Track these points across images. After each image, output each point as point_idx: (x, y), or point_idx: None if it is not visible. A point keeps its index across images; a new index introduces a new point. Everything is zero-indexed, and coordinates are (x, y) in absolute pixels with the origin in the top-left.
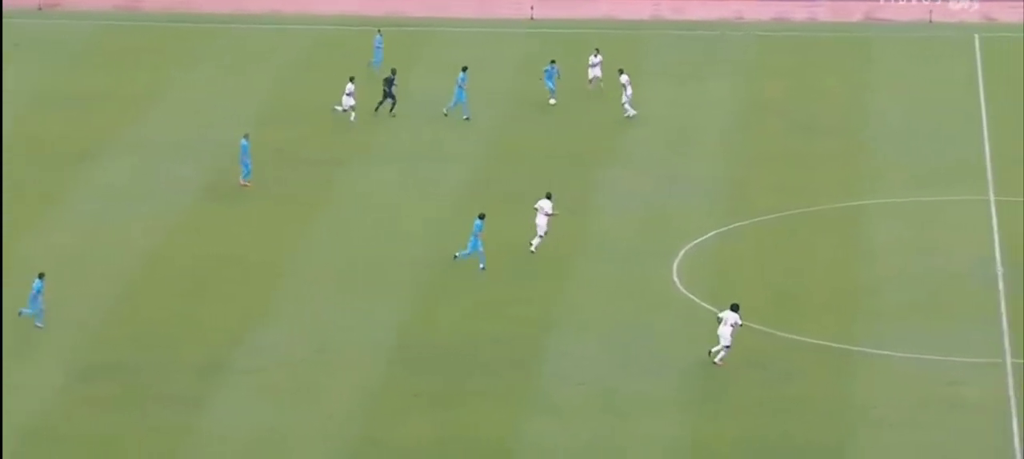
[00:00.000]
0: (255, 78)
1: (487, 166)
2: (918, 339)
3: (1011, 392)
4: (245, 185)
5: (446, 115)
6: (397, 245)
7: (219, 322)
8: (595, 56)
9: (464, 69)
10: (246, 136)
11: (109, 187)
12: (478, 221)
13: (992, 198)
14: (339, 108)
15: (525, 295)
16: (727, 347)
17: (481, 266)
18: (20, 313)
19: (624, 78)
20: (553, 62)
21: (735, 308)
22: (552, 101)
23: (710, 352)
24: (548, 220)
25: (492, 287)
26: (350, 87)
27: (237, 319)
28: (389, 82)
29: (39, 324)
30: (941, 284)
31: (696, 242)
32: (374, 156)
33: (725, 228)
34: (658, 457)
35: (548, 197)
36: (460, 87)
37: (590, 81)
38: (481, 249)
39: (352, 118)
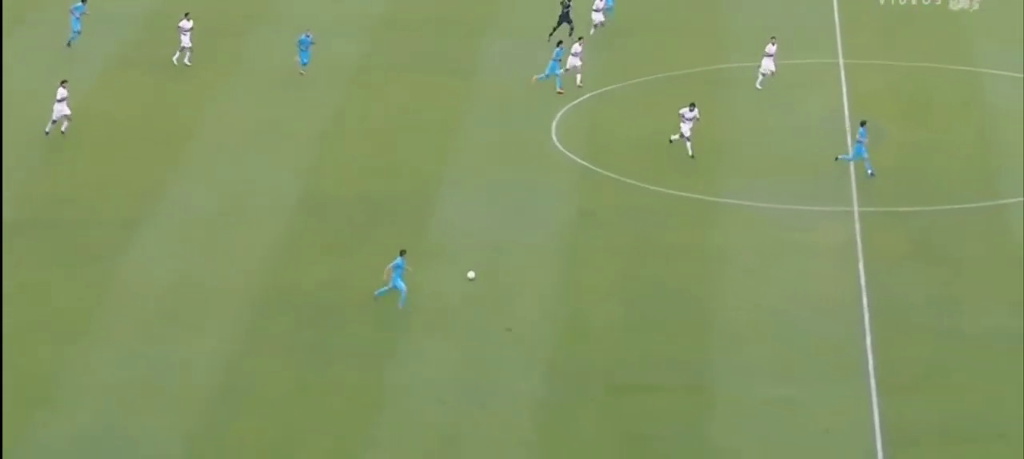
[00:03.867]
0: None
1: (379, 36)
2: (775, 190)
3: (858, 237)
4: (302, 73)
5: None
6: (298, 109)
7: (135, 180)
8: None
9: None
10: (308, 31)
11: (27, 54)
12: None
13: (841, 61)
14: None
15: (417, 154)
16: None
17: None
18: (384, 292)
19: None
20: None
21: None
22: None
23: None
24: (690, 124)
25: (387, 146)
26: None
27: (152, 177)
28: (566, 7)
29: (401, 305)
30: (796, 140)
31: (573, 104)
32: (276, 27)
33: (599, 91)
34: (542, 297)
35: (692, 106)
36: (556, 61)
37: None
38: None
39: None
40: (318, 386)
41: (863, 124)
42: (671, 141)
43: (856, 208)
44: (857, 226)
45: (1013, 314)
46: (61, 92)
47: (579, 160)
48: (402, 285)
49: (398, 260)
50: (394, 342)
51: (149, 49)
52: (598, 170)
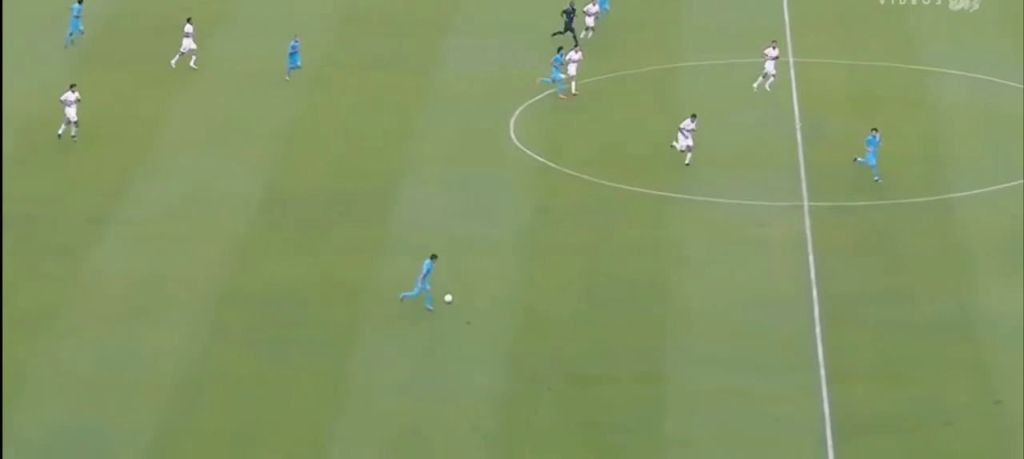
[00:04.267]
0: None
1: (340, 34)
2: (728, 186)
3: (808, 230)
4: (287, 79)
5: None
6: (261, 107)
7: (102, 177)
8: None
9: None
10: (297, 38)
11: None
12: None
13: (791, 59)
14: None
15: (378, 151)
16: None
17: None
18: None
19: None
20: None
21: None
22: None
23: None
24: (692, 134)
25: (348, 143)
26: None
27: (119, 174)
28: (570, 16)
29: (429, 307)
30: (748, 137)
31: (530, 102)
32: (240, 26)
33: (556, 89)
34: (501, 291)
35: (693, 118)
36: (556, 68)
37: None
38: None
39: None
40: (282, 379)
41: (875, 131)
42: (687, 164)
43: (806, 203)
44: (807, 220)
45: (958, 306)
46: (70, 96)
47: (537, 157)
48: (419, 286)
49: (427, 263)
50: (356, 336)
51: (115, 48)
52: (555, 167)
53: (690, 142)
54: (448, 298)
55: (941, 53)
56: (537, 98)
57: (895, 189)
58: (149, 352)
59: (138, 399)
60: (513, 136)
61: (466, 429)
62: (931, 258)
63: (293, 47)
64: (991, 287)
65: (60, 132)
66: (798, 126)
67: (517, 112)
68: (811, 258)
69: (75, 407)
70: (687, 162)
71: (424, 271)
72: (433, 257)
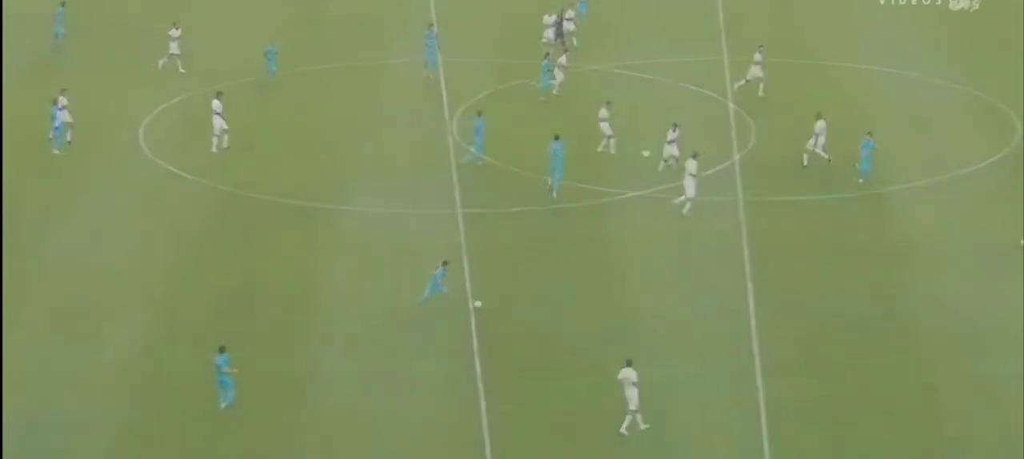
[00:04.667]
0: None
1: (289, 36)
2: (666, 181)
3: (743, 224)
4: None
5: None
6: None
7: (55, 174)
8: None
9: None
10: (273, 44)
11: None
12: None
13: (726, 58)
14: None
15: (327, 151)
16: None
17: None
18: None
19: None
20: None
21: None
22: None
23: None
24: (676, 145)
25: (298, 144)
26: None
27: (71, 171)
28: (559, 23)
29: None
30: (683, 133)
31: (471, 102)
32: (193, 28)
33: (496, 88)
34: (450, 286)
35: (674, 127)
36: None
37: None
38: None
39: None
40: (234, 377)
41: (870, 135)
42: (661, 163)
43: (741, 197)
44: (742, 214)
45: (890, 297)
46: (61, 101)
47: (481, 156)
48: (438, 289)
49: (440, 269)
50: (307, 332)
51: (67, 48)
52: (499, 164)
53: (676, 152)
54: (478, 303)
55: (877, 51)
56: (477, 98)
57: (828, 184)
58: (103, 348)
59: (92, 396)
60: (456, 136)
61: (418, 421)
62: (864, 251)
63: (269, 52)
64: (922, 279)
65: (69, 139)
66: (732, 122)
67: (459, 112)
68: (746, 251)
69: (32, 402)
70: (660, 169)
71: (436, 277)
72: (444, 264)
